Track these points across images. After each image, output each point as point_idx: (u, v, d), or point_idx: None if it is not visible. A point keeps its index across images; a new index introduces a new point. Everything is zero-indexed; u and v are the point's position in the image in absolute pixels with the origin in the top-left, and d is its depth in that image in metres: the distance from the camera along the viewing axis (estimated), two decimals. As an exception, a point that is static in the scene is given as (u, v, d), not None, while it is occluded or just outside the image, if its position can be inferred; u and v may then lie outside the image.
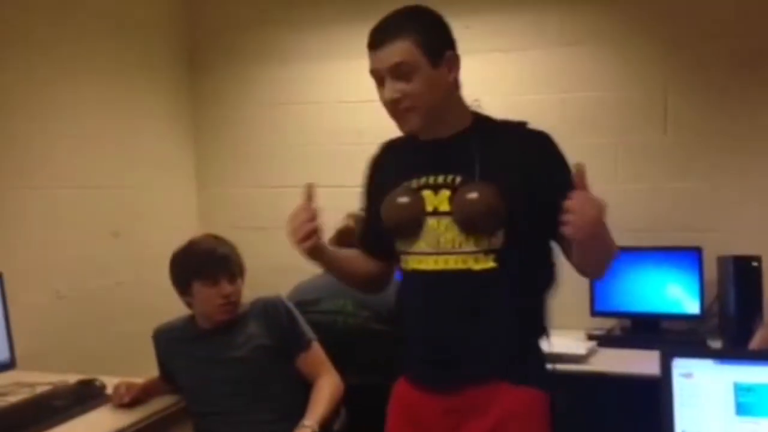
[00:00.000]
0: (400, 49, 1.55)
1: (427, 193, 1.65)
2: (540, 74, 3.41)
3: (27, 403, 2.29)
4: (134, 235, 3.45)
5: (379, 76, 1.61)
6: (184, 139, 3.93)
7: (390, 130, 1.75)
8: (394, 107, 1.61)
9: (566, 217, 1.51)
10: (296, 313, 2.39)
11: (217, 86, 3.94)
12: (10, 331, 2.48)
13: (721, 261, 3.03)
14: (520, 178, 1.62)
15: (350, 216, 2.72)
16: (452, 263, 1.63)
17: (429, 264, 1.65)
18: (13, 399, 2.34)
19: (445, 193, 1.63)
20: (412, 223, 1.65)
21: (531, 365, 1.72)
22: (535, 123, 3.42)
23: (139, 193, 3.56)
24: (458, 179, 1.63)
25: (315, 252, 1.74)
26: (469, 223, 1.60)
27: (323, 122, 3.74)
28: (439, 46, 1.59)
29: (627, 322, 3.23)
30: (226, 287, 2.29)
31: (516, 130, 1.71)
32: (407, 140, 1.72)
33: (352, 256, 1.90)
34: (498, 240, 1.61)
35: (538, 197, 1.62)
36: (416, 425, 1.70)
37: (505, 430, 1.62)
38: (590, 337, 3.08)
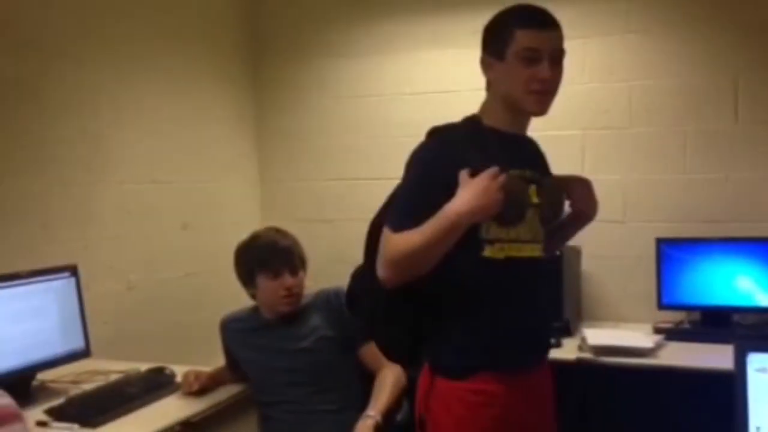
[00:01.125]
0: (562, 37, 1.72)
1: (531, 187, 1.75)
2: (605, 62, 3.34)
3: (101, 390, 2.37)
4: (202, 228, 3.53)
5: (535, 54, 1.67)
6: (248, 133, 3.99)
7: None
8: (542, 87, 1.69)
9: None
10: None
11: (279, 80, 3.99)
12: (85, 320, 2.56)
13: (796, 252, 2.94)
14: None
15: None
16: (537, 251, 1.76)
17: (526, 251, 1.71)
18: (87, 386, 2.42)
19: (533, 186, 1.74)
20: (521, 209, 1.70)
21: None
22: (600, 111, 3.41)
23: (206, 187, 3.63)
24: (537, 175, 1.78)
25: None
26: (554, 217, 1.84)
27: (387, 115, 3.74)
28: None
29: (696, 315, 3.15)
30: (288, 279, 2.32)
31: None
32: (478, 132, 1.74)
33: None
34: None
35: None
36: (502, 414, 1.69)
37: (551, 403, 1.84)
38: (657, 331, 3.01)
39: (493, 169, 1.62)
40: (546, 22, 1.69)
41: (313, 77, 3.91)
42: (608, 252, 3.35)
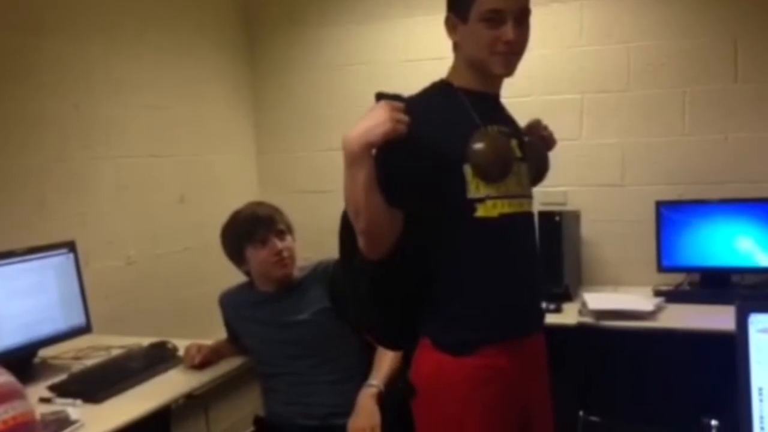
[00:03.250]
0: None
1: (510, 140, 1.74)
2: (603, 25, 3.30)
3: (103, 365, 2.37)
4: (199, 202, 3.52)
5: (499, 16, 1.63)
6: (244, 104, 3.96)
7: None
8: (507, 48, 1.65)
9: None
10: None
11: (276, 50, 3.95)
12: (85, 296, 2.56)
13: (796, 212, 2.93)
14: None
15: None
16: (526, 206, 1.75)
17: (517, 206, 1.69)
18: (89, 362, 2.43)
19: (514, 140, 1.74)
20: (508, 164, 1.67)
21: None
22: (598, 74, 3.38)
23: (203, 160, 3.62)
24: (515, 130, 1.78)
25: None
26: (541, 170, 1.89)
27: (384, 82, 3.65)
28: None
29: (696, 277, 3.16)
30: (277, 244, 2.33)
31: None
32: (448, 95, 1.72)
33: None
34: None
35: None
36: (507, 385, 1.66)
37: (547, 366, 1.82)
38: (657, 293, 3.02)
39: (390, 101, 1.57)
40: None
41: (308, 47, 3.87)
42: (608, 216, 3.35)
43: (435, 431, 1.69)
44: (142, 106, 3.23)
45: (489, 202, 1.64)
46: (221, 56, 3.79)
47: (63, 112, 2.86)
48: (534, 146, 1.84)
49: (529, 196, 1.77)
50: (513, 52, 1.67)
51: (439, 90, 1.74)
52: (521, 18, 1.66)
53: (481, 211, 1.63)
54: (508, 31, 1.63)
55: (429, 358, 1.69)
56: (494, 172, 1.64)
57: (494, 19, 1.63)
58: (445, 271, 1.68)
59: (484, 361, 1.64)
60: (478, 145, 1.62)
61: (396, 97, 1.63)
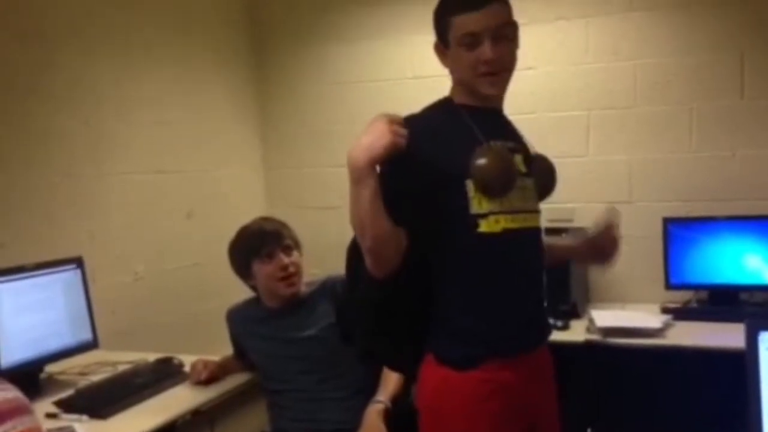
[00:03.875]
0: (504, 11, 1.65)
1: (514, 155, 1.72)
2: (608, 42, 3.31)
3: (109, 381, 2.37)
4: (207, 217, 3.53)
5: (475, 38, 1.62)
6: (251, 120, 3.98)
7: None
8: (489, 68, 1.64)
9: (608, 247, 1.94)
10: None
11: (283, 66, 3.97)
12: (91, 312, 2.56)
13: (804, 229, 2.92)
14: None
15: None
16: (531, 221, 1.73)
17: (520, 222, 1.68)
18: (96, 378, 2.43)
19: (519, 156, 1.73)
20: (510, 179, 1.65)
21: None
22: (605, 91, 3.38)
23: (210, 176, 3.63)
24: (520, 146, 1.76)
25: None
26: (548, 186, 1.84)
27: (391, 99, 3.71)
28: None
29: (704, 295, 3.14)
30: (283, 259, 2.33)
31: None
32: (449, 112, 1.73)
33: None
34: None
35: None
36: (511, 400, 1.66)
37: (553, 379, 1.81)
38: (665, 311, 3.00)
39: (389, 113, 1.59)
40: (477, 3, 1.62)
41: (316, 63, 3.89)
42: (615, 233, 3.33)
43: None
44: (149, 122, 3.25)
45: (492, 218, 1.63)
46: (229, 72, 3.82)
47: (72, 128, 2.87)
48: (541, 161, 1.84)
49: (536, 211, 1.76)
50: (496, 71, 1.66)
51: (441, 107, 1.75)
52: (500, 35, 1.64)
53: (483, 227, 1.63)
54: (486, 51, 1.62)
55: (433, 374, 1.69)
56: (496, 186, 1.63)
57: (471, 42, 1.63)
58: (448, 286, 1.68)
59: (489, 375, 1.64)
60: (481, 161, 1.62)
61: (422, 114, 1.74)
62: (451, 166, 1.62)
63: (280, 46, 3.96)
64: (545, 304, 1.85)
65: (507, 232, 1.64)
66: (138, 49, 3.20)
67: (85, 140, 2.93)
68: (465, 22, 1.62)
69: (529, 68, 3.35)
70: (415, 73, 3.62)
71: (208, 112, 3.63)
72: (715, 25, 3.16)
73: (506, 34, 1.66)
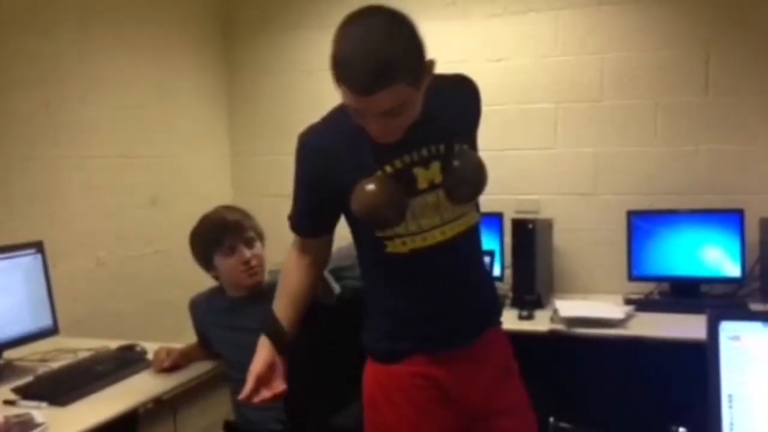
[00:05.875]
0: (391, 95, 1.39)
1: (418, 171, 1.57)
2: (576, 35, 3.33)
3: (70, 368, 2.33)
4: (172, 204, 3.49)
5: (360, 112, 1.47)
6: (218, 106, 3.94)
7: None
8: (378, 135, 1.50)
9: None
10: (331, 279, 2.39)
11: (252, 53, 3.93)
12: (52, 297, 2.51)
13: (765, 223, 2.98)
14: (468, 126, 1.70)
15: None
16: (449, 232, 1.62)
17: (429, 240, 1.60)
18: (56, 364, 2.39)
19: (436, 164, 1.58)
20: (391, 216, 1.56)
21: (499, 306, 1.85)
22: (573, 84, 3.40)
23: (176, 162, 3.59)
24: (442, 148, 1.58)
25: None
26: (477, 184, 1.61)
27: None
28: (421, 68, 1.44)
29: (665, 287, 3.19)
30: (245, 253, 2.29)
31: (453, 81, 1.68)
32: (348, 127, 1.55)
33: (291, 291, 1.79)
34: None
35: (473, 138, 1.72)
36: (441, 392, 1.67)
37: (509, 365, 1.78)
38: (628, 302, 3.05)
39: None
40: (360, 90, 1.40)
41: (285, 50, 3.86)
42: (580, 225, 3.37)
43: None
44: (113, 106, 3.19)
45: (398, 240, 1.60)
46: (196, 56, 3.76)
47: (32, 110, 2.81)
48: (467, 160, 1.61)
49: (454, 220, 1.62)
50: (392, 133, 1.49)
51: (339, 120, 1.61)
52: (391, 113, 1.43)
53: (390, 248, 1.62)
54: (371, 127, 1.48)
55: (368, 368, 1.74)
56: (379, 224, 1.59)
57: (356, 112, 1.47)
58: (369, 287, 1.76)
59: (414, 369, 1.66)
60: (355, 204, 1.55)
61: (321, 125, 1.69)
62: (344, 192, 1.57)
63: (249, 32, 3.92)
64: (486, 297, 1.77)
65: (417, 251, 1.61)
66: (102, 31, 3.13)
67: (46, 123, 2.87)
68: (351, 98, 1.43)
69: (500, 60, 3.36)
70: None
71: (174, 97, 3.58)
72: (682, 22, 3.20)
73: (396, 113, 1.44)
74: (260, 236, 2.39)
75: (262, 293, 2.35)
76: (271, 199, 3.85)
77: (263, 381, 1.71)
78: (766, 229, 2.97)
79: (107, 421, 1.95)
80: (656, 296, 3.16)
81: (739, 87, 3.13)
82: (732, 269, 3.02)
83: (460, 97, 1.66)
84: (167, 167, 3.52)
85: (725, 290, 3.09)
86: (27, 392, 2.09)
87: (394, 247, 1.61)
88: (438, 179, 1.58)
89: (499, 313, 1.81)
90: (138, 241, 3.32)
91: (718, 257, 3.05)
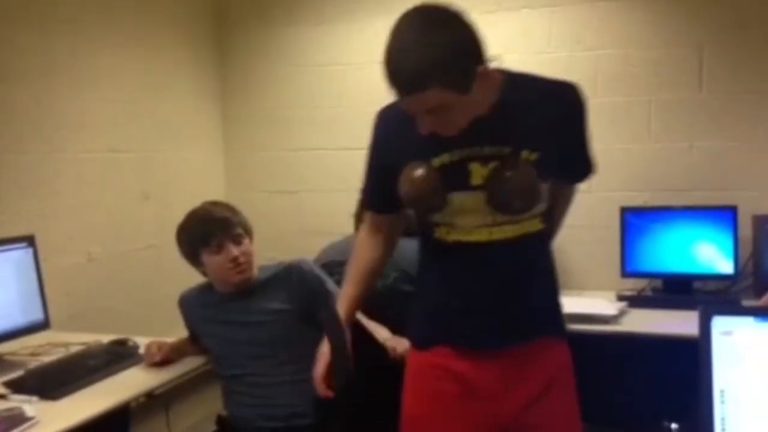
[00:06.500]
0: (428, 97, 1.42)
1: (474, 166, 1.56)
2: (570, 31, 3.33)
3: (61, 362, 2.32)
4: (164, 199, 3.47)
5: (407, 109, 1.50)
6: (211, 101, 3.92)
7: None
8: (425, 130, 1.53)
9: None
10: (323, 274, 2.38)
11: (244, 48, 3.91)
12: (43, 291, 2.50)
13: (758, 220, 2.98)
14: (556, 137, 1.59)
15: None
16: (498, 234, 1.60)
17: (475, 236, 1.59)
18: (47, 359, 2.38)
19: (495, 165, 1.56)
20: (428, 205, 1.60)
21: (562, 319, 1.78)
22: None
23: (168, 157, 3.57)
24: (507, 150, 1.55)
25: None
26: (498, 206, 1.57)
27: (351, 84, 3.70)
28: (467, 76, 1.44)
29: (658, 283, 3.19)
30: (233, 250, 2.28)
31: (548, 86, 1.63)
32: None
33: (360, 270, 1.82)
34: (543, 203, 1.62)
35: (565, 149, 1.64)
36: (464, 387, 1.65)
37: (557, 383, 1.69)
38: (620, 298, 3.05)
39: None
40: (400, 90, 1.44)
41: (278, 45, 3.85)
42: (573, 221, 3.33)
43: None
44: (105, 100, 3.17)
45: (443, 228, 1.63)
46: (189, 51, 3.75)
47: (23, 104, 2.79)
48: (521, 173, 1.56)
49: (505, 224, 1.59)
50: (444, 130, 1.52)
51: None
52: (433, 111, 1.46)
53: (437, 233, 1.65)
54: (420, 125, 1.51)
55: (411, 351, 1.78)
56: (417, 210, 1.65)
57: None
58: (419, 270, 1.77)
59: (437, 360, 1.67)
60: (401, 186, 1.61)
61: (389, 105, 1.65)
62: (397, 171, 1.63)
63: (242, 27, 3.91)
64: (535, 307, 1.70)
65: (460, 244, 1.61)
66: (94, 24, 3.11)
67: (35, 117, 2.85)
68: (396, 95, 1.47)
69: (493, 56, 3.35)
70: (377, 57, 3.58)
71: (166, 92, 3.57)
72: (676, 18, 3.19)
73: (441, 112, 1.46)
74: (248, 232, 2.37)
75: (251, 289, 2.35)
76: (264, 194, 3.86)
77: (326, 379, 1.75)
78: (759, 226, 2.98)
79: (99, 416, 1.95)
80: (649, 293, 3.16)
81: (733, 84, 3.13)
82: (725, 266, 3.03)
83: (549, 105, 1.59)
84: (159, 162, 3.50)
85: (718, 287, 3.10)
86: (18, 386, 2.09)
87: (441, 233, 1.64)
88: (475, 181, 1.57)
89: (553, 326, 1.73)
90: (130, 235, 3.30)
91: (711, 254, 3.05)
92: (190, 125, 3.76)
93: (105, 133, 3.18)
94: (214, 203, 2.41)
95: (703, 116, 3.18)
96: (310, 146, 3.77)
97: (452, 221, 1.60)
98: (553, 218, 1.74)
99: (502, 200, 1.56)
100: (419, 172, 1.57)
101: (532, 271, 1.68)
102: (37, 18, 2.85)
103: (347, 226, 2.79)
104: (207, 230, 2.29)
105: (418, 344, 1.73)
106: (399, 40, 1.45)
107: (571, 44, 3.33)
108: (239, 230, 2.32)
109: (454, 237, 1.62)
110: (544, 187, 1.59)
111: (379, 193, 1.76)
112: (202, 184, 3.78)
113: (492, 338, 1.64)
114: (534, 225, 1.62)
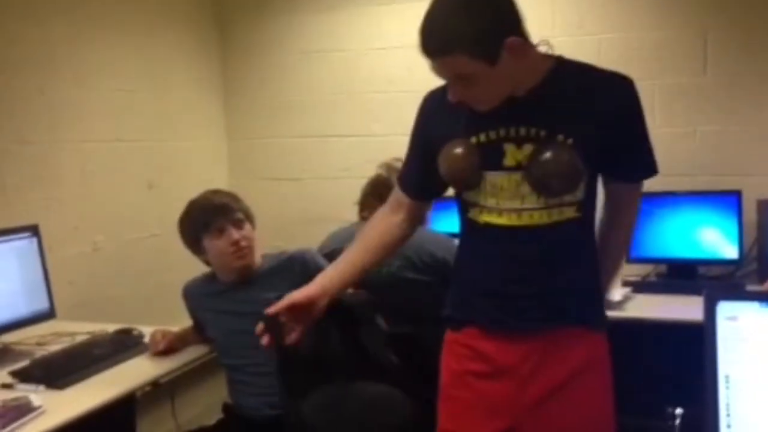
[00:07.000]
0: (453, 63, 1.46)
1: (509, 147, 1.56)
2: (574, 16, 3.31)
3: (67, 351, 2.33)
4: (168, 188, 3.48)
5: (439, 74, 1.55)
6: (214, 90, 3.91)
7: (422, 79, 1.65)
8: (453, 98, 1.56)
9: None
10: (326, 264, 2.38)
11: (246, 34, 3.90)
12: (48, 281, 2.51)
13: (762, 204, 2.97)
14: (597, 128, 1.56)
15: (382, 166, 2.68)
16: (527, 219, 1.59)
17: (506, 219, 1.60)
18: (53, 348, 2.39)
19: (529, 147, 1.55)
20: (463, 180, 1.63)
21: (602, 309, 1.75)
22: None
23: (172, 146, 3.57)
24: (543, 133, 1.54)
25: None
26: (538, 187, 1.56)
27: (354, 70, 3.69)
28: (495, 46, 1.44)
29: (662, 268, 3.19)
30: (234, 234, 2.29)
31: (596, 76, 1.62)
32: None
33: (369, 239, 1.83)
34: (580, 192, 1.59)
35: (610, 144, 1.60)
36: (493, 368, 1.66)
37: (583, 374, 1.64)
38: (625, 284, 3.04)
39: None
40: (427, 52, 1.48)
41: (280, 32, 3.84)
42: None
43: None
44: (108, 90, 3.18)
45: (477, 209, 1.64)
46: (190, 39, 3.74)
47: (27, 94, 2.79)
48: (560, 154, 1.54)
49: (539, 209, 1.57)
50: (474, 101, 1.55)
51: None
52: (460, 78, 1.49)
53: (471, 213, 1.67)
54: (449, 90, 1.55)
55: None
56: (455, 184, 1.68)
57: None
58: (458, 251, 1.79)
59: (466, 340, 1.69)
60: (443, 164, 1.63)
61: (436, 88, 1.68)
62: (436, 150, 1.66)
63: (244, 14, 3.90)
64: (569, 295, 1.64)
65: (490, 226, 1.62)
66: (96, 14, 3.11)
67: (40, 107, 2.85)
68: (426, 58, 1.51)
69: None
70: (379, 43, 3.58)
71: (170, 81, 3.56)
72: (680, 2, 3.17)
73: (469, 82, 1.49)
74: (249, 218, 2.37)
75: (255, 277, 2.35)
76: (268, 182, 3.86)
77: (295, 311, 1.73)
78: (763, 211, 2.97)
79: (105, 404, 1.96)
80: (653, 278, 3.16)
81: (738, 68, 3.11)
82: (729, 251, 3.02)
83: (598, 96, 1.58)
84: (163, 151, 3.50)
85: (722, 272, 3.09)
86: (24, 376, 2.09)
87: (474, 214, 1.65)
88: (525, 162, 1.55)
89: (583, 315, 1.66)
90: (134, 225, 3.31)
91: (715, 239, 3.04)
92: (193, 114, 3.76)
93: (108, 123, 3.18)
94: (215, 191, 2.42)
95: (707, 101, 3.16)
96: (313, 133, 3.77)
97: (485, 202, 1.62)
98: (612, 219, 1.80)
99: (541, 181, 1.55)
100: (459, 149, 1.60)
101: (561, 258, 1.63)
102: (38, 9, 2.85)
103: (351, 214, 2.78)
104: (208, 215, 2.30)
105: (449, 324, 1.75)
106: (434, 6, 1.49)
107: (574, 28, 3.31)
108: (240, 215, 2.33)
109: (485, 218, 1.63)
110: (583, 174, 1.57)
111: (419, 177, 1.78)
112: (205, 173, 3.78)
113: (513, 320, 1.65)
114: (566, 213, 1.59)
